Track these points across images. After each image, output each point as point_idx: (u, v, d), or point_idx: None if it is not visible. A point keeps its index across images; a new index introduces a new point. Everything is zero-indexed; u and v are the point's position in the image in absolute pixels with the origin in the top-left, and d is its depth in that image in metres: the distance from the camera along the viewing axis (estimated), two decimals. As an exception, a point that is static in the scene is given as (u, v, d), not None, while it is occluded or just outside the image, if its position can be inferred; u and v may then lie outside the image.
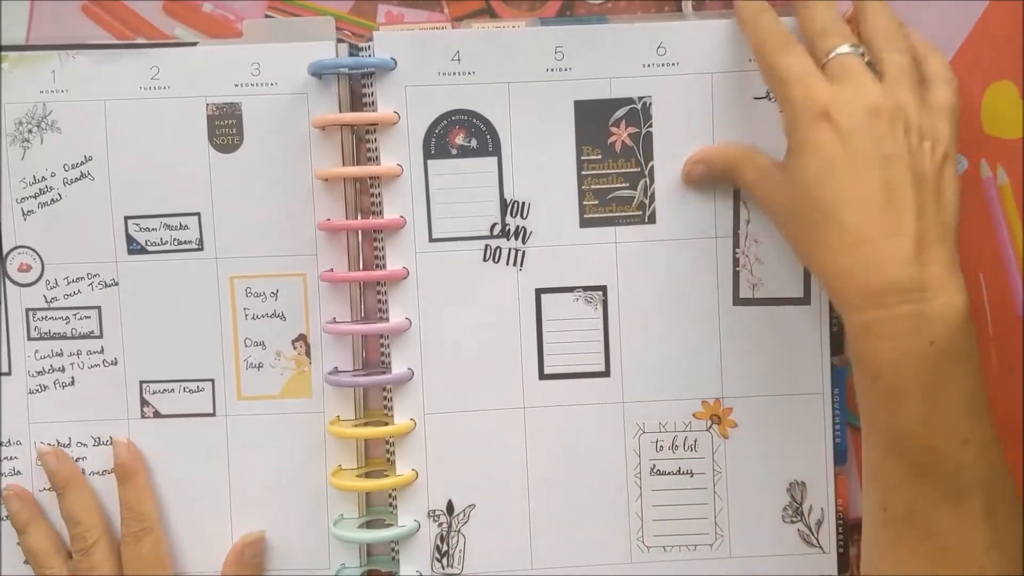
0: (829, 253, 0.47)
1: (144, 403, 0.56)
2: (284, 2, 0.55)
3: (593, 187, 0.55)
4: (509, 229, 0.55)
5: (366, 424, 0.56)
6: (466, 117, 0.54)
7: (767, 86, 0.53)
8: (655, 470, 0.56)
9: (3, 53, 0.54)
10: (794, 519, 0.56)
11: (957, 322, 0.46)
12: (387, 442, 0.56)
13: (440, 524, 0.56)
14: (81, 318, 0.56)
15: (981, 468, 0.46)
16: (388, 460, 0.56)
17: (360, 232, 0.56)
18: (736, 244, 0.55)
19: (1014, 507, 0.48)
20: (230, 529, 0.56)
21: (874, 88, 0.48)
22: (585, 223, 0.55)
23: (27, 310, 0.56)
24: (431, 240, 0.55)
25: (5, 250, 0.56)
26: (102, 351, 0.56)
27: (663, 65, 0.54)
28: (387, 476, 0.55)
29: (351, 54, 0.55)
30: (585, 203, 0.55)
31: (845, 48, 0.49)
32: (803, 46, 0.50)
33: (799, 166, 0.49)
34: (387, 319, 0.55)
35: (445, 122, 0.54)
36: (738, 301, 0.56)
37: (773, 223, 0.53)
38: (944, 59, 0.52)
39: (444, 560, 0.56)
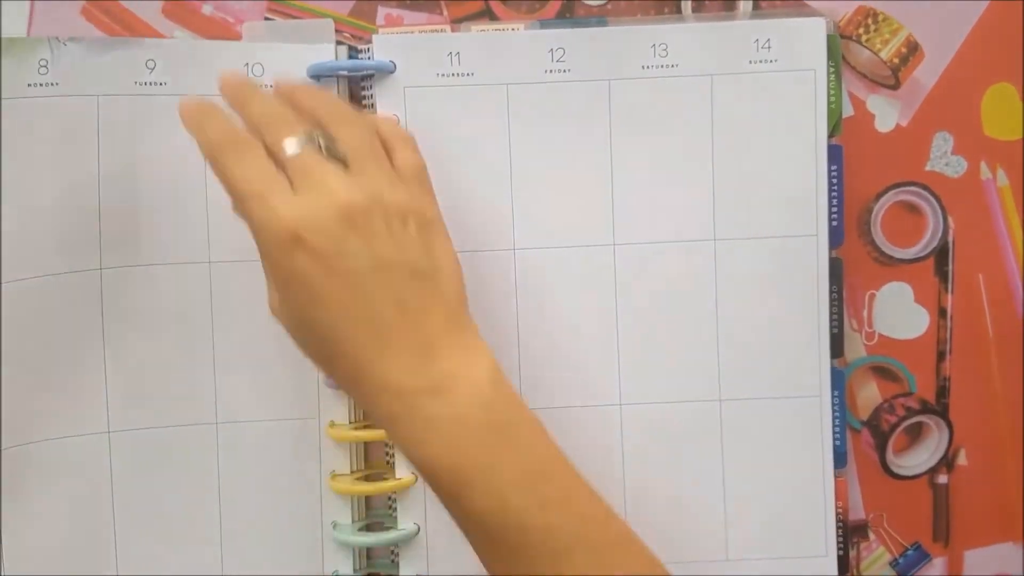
0: (344, 382, 0.45)
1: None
2: (284, 4, 0.55)
3: None
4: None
5: (365, 427, 0.56)
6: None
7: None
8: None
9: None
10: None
11: (487, 398, 0.44)
12: (386, 445, 0.56)
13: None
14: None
15: (572, 522, 0.44)
16: (388, 463, 0.56)
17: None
18: None
19: (630, 547, 0.46)
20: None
21: (340, 186, 0.43)
22: None
23: None
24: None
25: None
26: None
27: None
28: (387, 479, 0.55)
29: (350, 56, 0.55)
30: None
31: (294, 145, 0.44)
32: (262, 146, 0.45)
33: (285, 300, 0.44)
34: (386, 321, 0.55)
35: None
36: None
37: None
38: (394, 121, 0.52)
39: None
